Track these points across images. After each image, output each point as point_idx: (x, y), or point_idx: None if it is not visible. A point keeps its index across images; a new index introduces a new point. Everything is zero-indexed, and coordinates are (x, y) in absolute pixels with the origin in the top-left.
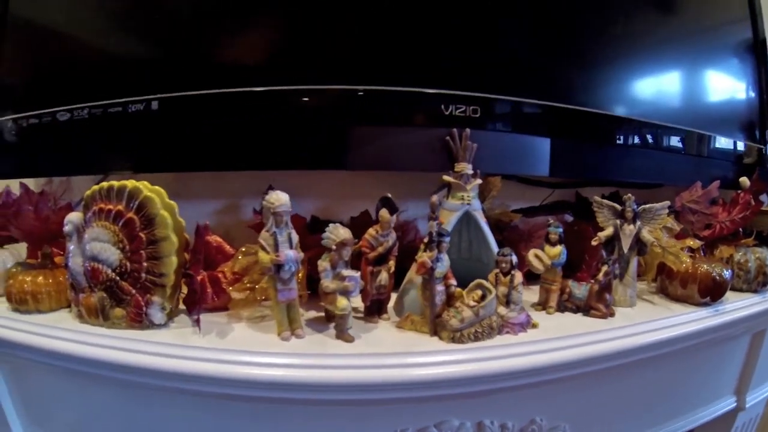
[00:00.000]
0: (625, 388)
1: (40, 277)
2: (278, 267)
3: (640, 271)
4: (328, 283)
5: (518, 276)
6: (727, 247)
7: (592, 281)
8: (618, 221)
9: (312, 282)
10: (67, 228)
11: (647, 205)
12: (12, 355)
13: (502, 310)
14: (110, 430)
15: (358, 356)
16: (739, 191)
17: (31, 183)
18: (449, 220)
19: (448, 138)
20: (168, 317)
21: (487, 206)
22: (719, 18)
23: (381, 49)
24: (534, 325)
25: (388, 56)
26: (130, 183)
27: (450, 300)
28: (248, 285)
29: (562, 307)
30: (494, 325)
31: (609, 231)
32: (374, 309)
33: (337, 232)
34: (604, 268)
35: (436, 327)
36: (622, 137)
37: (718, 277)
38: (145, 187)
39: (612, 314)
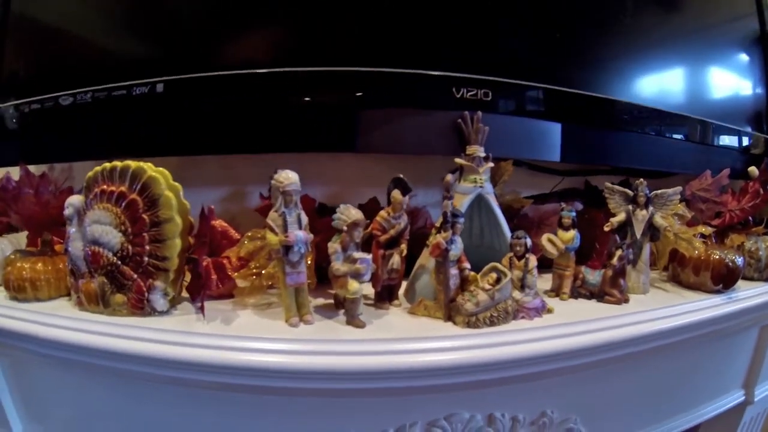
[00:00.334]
0: (633, 381)
1: (39, 264)
2: (287, 249)
3: (651, 260)
4: (338, 265)
5: (533, 259)
6: (737, 236)
7: (607, 267)
8: (630, 207)
9: (320, 270)
10: (67, 211)
11: (659, 191)
12: (10, 346)
13: (517, 294)
14: (110, 425)
15: (371, 341)
16: (748, 180)
17: (33, 170)
18: (462, 203)
19: (459, 120)
20: (171, 304)
21: (498, 192)
22: (727, 11)
23: (391, 30)
24: (549, 310)
25: (398, 38)
26: (133, 163)
27: (464, 284)
28: (254, 270)
29: (575, 294)
30: (510, 309)
31: (621, 216)
32: (385, 295)
33: (349, 213)
34: (619, 253)
35: (451, 312)
36: (632, 124)
37: (731, 264)
38: (149, 167)
39: (627, 300)
